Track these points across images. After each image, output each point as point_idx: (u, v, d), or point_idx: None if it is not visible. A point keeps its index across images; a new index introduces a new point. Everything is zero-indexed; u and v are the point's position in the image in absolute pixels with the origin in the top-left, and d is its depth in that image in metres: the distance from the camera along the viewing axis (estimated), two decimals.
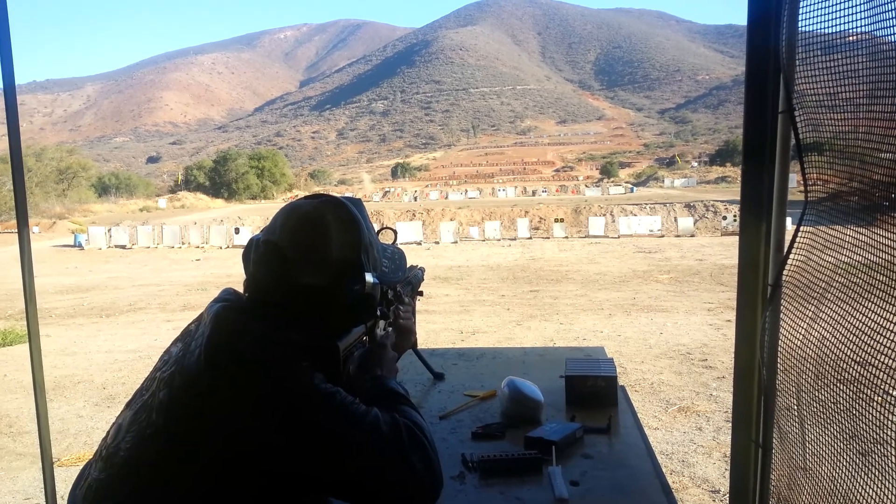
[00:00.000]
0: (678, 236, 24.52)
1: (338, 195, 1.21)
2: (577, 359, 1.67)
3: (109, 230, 28.04)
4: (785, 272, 1.45)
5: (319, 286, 1.13)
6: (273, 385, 1.00)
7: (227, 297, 1.17)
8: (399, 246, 1.47)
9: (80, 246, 26.83)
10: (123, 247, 26.59)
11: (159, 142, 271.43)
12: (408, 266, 1.72)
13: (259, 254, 1.16)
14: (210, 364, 1.02)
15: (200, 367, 1.02)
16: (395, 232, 1.49)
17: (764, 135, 1.51)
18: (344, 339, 1.19)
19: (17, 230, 2.09)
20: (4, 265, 18.09)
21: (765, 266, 1.55)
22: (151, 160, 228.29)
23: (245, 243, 1.23)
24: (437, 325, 9.73)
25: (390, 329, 1.44)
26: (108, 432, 1.10)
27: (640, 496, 1.10)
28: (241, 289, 1.23)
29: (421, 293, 1.71)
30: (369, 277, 1.17)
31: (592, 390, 1.48)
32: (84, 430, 5.53)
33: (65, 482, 4.31)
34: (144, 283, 15.57)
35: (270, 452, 0.97)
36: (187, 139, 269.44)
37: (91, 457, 1.13)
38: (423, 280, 1.73)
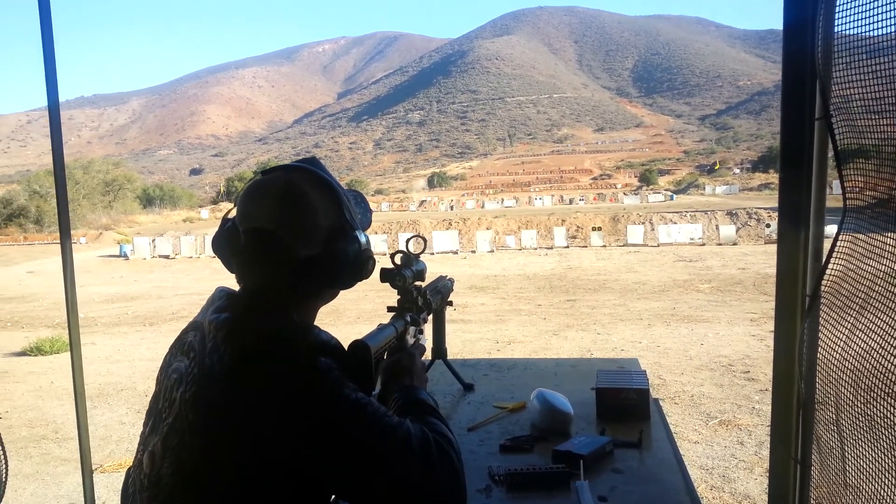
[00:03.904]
0: (720, 244, 24.04)
1: (295, 162, 1.18)
2: (608, 371, 1.64)
3: (153, 241, 28.72)
4: (824, 282, 1.41)
5: (315, 256, 1.11)
6: (306, 395, 0.99)
7: (227, 303, 1.13)
8: (419, 238, 1.47)
9: (125, 256, 27.57)
10: (167, 257, 27.20)
11: (202, 154, 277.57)
12: (438, 277, 1.72)
13: (246, 243, 1.13)
14: (235, 384, 1.01)
15: (225, 387, 1.01)
16: (424, 240, 1.48)
17: (802, 142, 1.47)
18: (375, 340, 1.19)
19: (60, 243, 2.16)
20: (54, 275, 18.67)
21: (803, 275, 1.50)
22: (194, 172, 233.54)
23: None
24: (473, 334, 9.70)
25: (421, 336, 1.44)
26: (141, 461, 1.10)
27: None
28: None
29: (450, 303, 1.71)
30: (361, 236, 1.16)
31: (624, 403, 1.44)
32: (126, 436, 5.65)
33: (106, 488, 4.41)
34: (187, 292, 15.89)
35: (299, 460, 0.97)
36: (229, 151, 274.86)
37: (126, 481, 1.14)
38: (452, 290, 1.73)
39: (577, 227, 29.77)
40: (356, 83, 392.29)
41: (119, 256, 27.91)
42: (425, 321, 1.50)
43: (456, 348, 8.71)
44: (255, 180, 1.16)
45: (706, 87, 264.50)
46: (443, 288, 1.67)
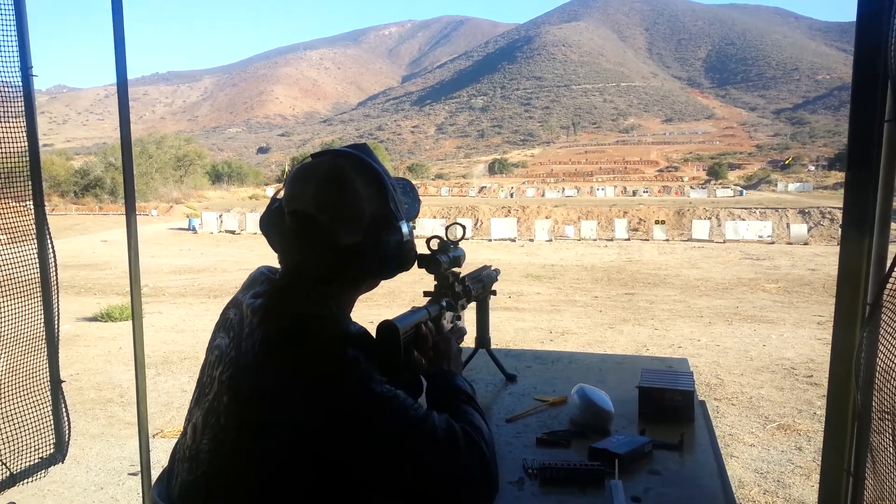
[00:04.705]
0: (790, 244, 23.17)
1: (345, 148, 1.17)
2: (653, 370, 1.61)
3: (221, 216, 29.64)
4: (887, 289, 1.34)
5: (356, 243, 1.11)
6: (333, 386, 1.00)
7: (265, 288, 1.15)
8: (459, 226, 1.47)
9: (193, 230, 28.61)
10: (233, 232, 28.05)
11: (269, 133, 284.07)
12: (482, 266, 1.72)
13: (289, 225, 1.13)
14: (268, 367, 1.02)
15: (259, 370, 1.03)
16: (463, 228, 1.48)
17: (870, 143, 1.39)
18: (404, 322, 1.19)
19: (126, 216, 2.27)
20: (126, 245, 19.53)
21: (865, 282, 1.44)
22: (261, 150, 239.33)
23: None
24: (526, 323, 9.66)
25: (459, 322, 1.43)
26: (186, 431, 1.14)
27: None
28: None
29: (494, 292, 1.70)
30: (403, 227, 1.15)
31: (668, 404, 1.41)
32: (186, 404, 5.86)
33: (166, 452, 4.61)
34: (250, 267, 16.13)
35: (325, 447, 0.99)
36: (295, 131, 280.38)
37: (175, 447, 1.18)
38: (496, 280, 1.73)
39: (640, 219, 29.19)
40: (421, 67, 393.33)
41: (188, 230, 28.98)
42: (464, 308, 1.49)
43: (508, 336, 8.69)
44: (303, 163, 1.17)
45: (783, 79, 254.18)
46: (486, 277, 1.67)
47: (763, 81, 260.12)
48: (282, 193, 1.19)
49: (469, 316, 1.59)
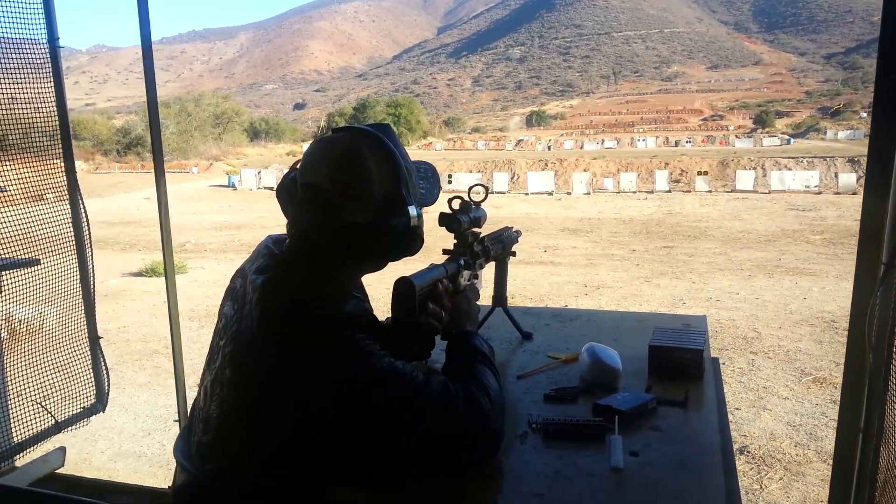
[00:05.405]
0: (837, 193, 22.45)
1: (366, 126, 1.17)
2: (667, 328, 1.62)
3: (259, 173, 29.99)
4: None
5: (364, 223, 1.12)
6: (330, 366, 1.02)
7: (268, 262, 1.17)
8: (481, 187, 1.48)
9: (233, 186, 29.03)
10: (271, 188, 28.32)
11: (305, 89, 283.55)
12: (503, 227, 1.74)
13: (301, 197, 1.15)
14: (267, 344, 1.05)
15: (258, 348, 1.06)
16: (486, 189, 1.49)
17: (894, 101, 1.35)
18: (421, 279, 1.22)
19: (155, 179, 2.34)
20: (169, 202, 19.93)
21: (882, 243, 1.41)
22: (297, 107, 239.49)
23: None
24: (561, 277, 9.65)
25: (476, 281, 1.46)
26: (199, 393, 1.19)
27: (700, 472, 1.06)
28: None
29: (514, 253, 1.72)
30: (412, 211, 1.15)
31: (677, 362, 1.43)
32: None
33: None
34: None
35: (329, 426, 1.02)
36: (330, 87, 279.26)
37: (192, 403, 1.23)
38: (516, 241, 1.74)
39: (682, 170, 28.53)
40: (456, 17, 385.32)
41: (227, 186, 29.42)
42: (482, 267, 1.52)
43: (543, 290, 8.70)
44: (323, 137, 1.18)
45: (835, 22, 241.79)
46: (507, 238, 1.69)
47: (814, 25, 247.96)
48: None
49: (488, 275, 1.62)
